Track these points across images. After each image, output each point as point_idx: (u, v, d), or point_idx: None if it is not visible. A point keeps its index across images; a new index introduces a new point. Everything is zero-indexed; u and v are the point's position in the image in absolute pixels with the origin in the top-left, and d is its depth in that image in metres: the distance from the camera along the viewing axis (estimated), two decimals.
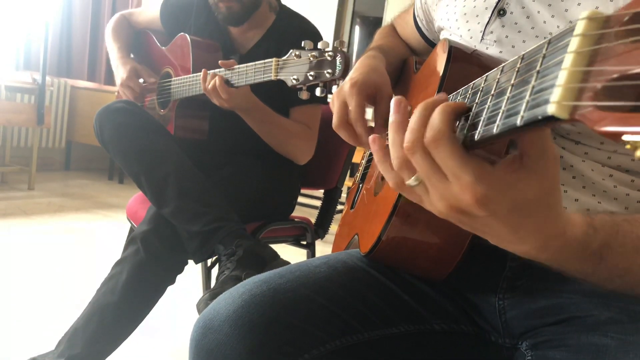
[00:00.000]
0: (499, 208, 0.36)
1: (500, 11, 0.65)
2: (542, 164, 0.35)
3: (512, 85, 0.31)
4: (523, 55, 0.32)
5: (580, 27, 0.25)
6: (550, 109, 0.26)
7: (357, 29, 4.68)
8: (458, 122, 0.38)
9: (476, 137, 0.34)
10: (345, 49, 1.05)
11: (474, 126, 0.35)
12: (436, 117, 0.37)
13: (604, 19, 0.24)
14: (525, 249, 0.40)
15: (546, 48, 0.29)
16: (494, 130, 0.32)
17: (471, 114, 0.37)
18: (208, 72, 1.24)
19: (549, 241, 0.39)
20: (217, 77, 1.19)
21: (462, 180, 0.36)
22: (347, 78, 0.70)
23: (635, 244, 0.44)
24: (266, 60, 1.14)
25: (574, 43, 0.25)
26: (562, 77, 0.26)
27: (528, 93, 0.29)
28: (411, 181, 0.41)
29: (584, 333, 0.56)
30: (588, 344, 0.55)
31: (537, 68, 0.29)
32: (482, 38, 0.66)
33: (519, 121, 0.29)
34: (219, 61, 1.22)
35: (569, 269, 0.44)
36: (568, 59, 0.25)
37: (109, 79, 4.28)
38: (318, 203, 1.65)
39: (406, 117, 0.41)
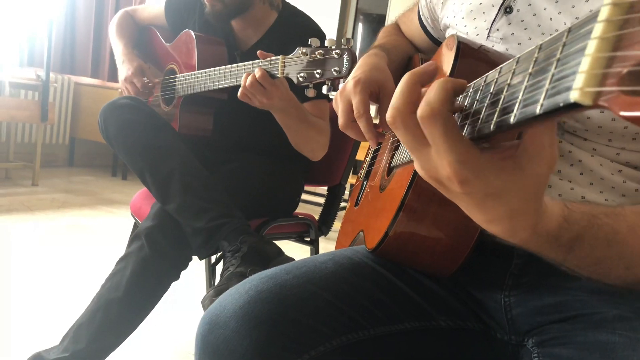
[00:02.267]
0: (475, 190, 0.37)
1: (507, 8, 0.65)
2: (534, 164, 0.35)
3: (530, 74, 0.31)
4: (541, 44, 0.32)
5: (604, 13, 0.25)
6: (573, 96, 0.26)
7: (360, 26, 4.67)
8: (466, 118, 0.38)
9: (491, 127, 0.34)
10: (352, 47, 1.05)
11: (489, 117, 0.35)
12: (434, 93, 0.36)
13: (629, 4, 0.24)
14: (493, 230, 0.41)
15: (566, 36, 0.29)
16: (511, 120, 0.32)
17: (484, 105, 0.36)
18: (244, 68, 1.19)
19: (518, 230, 0.40)
20: (257, 69, 1.14)
21: (448, 159, 0.36)
22: (350, 77, 0.70)
23: (609, 236, 0.45)
24: (273, 58, 1.14)
25: (598, 29, 0.25)
26: (585, 63, 0.25)
27: (547, 81, 0.29)
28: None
29: (590, 330, 0.56)
30: (595, 341, 0.54)
31: (557, 56, 0.29)
32: (489, 35, 0.66)
33: (538, 109, 0.29)
34: (258, 51, 1.17)
35: (540, 254, 0.45)
36: (592, 45, 0.25)
37: (113, 76, 4.28)
38: (322, 200, 1.65)
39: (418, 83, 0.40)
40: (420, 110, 0.36)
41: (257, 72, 1.12)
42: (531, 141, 0.35)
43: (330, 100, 1.43)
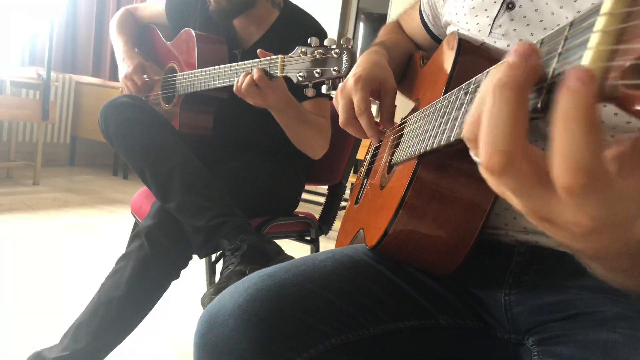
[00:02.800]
0: (603, 227, 0.27)
1: (509, 4, 0.65)
2: None
3: None
4: (542, 39, 0.31)
5: (607, 6, 0.25)
6: None
7: (361, 25, 4.67)
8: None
9: None
10: (351, 47, 1.04)
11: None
12: (581, 138, 0.24)
13: None
14: (579, 246, 0.31)
15: (568, 30, 0.28)
16: None
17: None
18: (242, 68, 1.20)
19: (611, 244, 0.31)
20: (255, 69, 1.13)
21: (589, 213, 0.26)
22: (350, 74, 0.70)
23: None
24: (272, 57, 1.14)
25: (600, 22, 0.25)
26: (587, 56, 0.25)
27: (549, 76, 0.28)
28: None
29: (591, 329, 0.56)
30: (596, 340, 0.54)
31: (559, 50, 0.28)
32: (490, 32, 0.66)
33: (539, 104, 0.29)
34: (258, 50, 1.17)
35: (605, 266, 0.35)
36: (594, 39, 0.25)
37: (114, 75, 4.29)
38: (322, 199, 1.65)
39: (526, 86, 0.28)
40: (564, 179, 0.25)
41: (255, 73, 1.12)
42: None
43: (332, 98, 1.43)
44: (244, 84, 1.13)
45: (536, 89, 0.29)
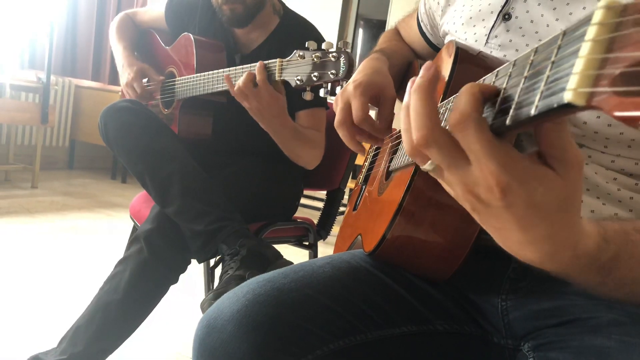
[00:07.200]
0: (517, 201, 0.34)
1: (505, 15, 0.66)
2: (565, 167, 0.34)
3: (526, 77, 0.32)
4: (537, 48, 0.32)
5: (597, 16, 0.26)
6: (567, 97, 0.26)
7: (360, 31, 4.68)
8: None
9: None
10: (349, 50, 1.05)
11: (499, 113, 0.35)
12: (462, 98, 0.35)
13: (622, 7, 0.25)
14: (531, 255, 0.38)
15: (561, 39, 0.29)
16: (507, 122, 0.32)
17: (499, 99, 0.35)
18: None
19: (558, 251, 0.37)
20: (257, 69, 1.14)
21: (487, 166, 0.34)
22: (351, 79, 0.70)
23: None
24: (270, 61, 1.14)
25: (591, 31, 0.26)
26: (578, 65, 0.26)
27: (542, 83, 0.29)
28: (427, 166, 0.39)
29: (586, 335, 0.56)
30: (591, 346, 0.55)
31: (552, 59, 0.29)
32: (487, 42, 0.67)
33: (533, 111, 0.29)
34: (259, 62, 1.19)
35: (575, 279, 0.42)
36: (585, 47, 0.26)
37: (113, 79, 4.29)
38: (321, 204, 1.66)
39: (433, 84, 0.38)
40: (450, 119, 0.35)
41: (258, 74, 1.13)
42: (550, 146, 0.34)
43: (328, 108, 1.44)
44: (241, 81, 1.14)
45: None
